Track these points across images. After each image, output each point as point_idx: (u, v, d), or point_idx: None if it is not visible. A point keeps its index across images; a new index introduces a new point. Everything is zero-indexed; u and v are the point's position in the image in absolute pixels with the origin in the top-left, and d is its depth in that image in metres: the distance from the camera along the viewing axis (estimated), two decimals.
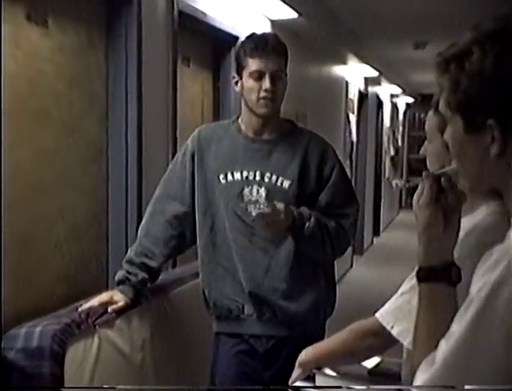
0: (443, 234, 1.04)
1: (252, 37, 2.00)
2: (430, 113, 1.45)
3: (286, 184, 1.97)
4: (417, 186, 1.08)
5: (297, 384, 1.58)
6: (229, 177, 2.00)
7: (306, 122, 5.15)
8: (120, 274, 2.04)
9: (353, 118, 7.36)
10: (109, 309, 1.91)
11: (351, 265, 7.68)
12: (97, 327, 1.83)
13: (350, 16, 5.46)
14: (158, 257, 2.05)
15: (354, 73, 7.22)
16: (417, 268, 1.04)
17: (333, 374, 1.55)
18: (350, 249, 7.62)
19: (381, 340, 1.46)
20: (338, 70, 6.65)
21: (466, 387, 0.87)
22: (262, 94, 1.95)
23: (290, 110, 4.71)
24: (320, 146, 2.05)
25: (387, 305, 1.43)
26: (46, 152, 2.17)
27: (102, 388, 1.87)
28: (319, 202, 1.99)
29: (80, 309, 1.88)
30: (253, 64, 1.94)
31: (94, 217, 2.48)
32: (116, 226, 2.54)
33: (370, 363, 1.61)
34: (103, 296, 1.95)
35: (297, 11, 4.04)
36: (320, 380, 1.54)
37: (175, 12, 2.80)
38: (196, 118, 3.27)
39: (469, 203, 1.32)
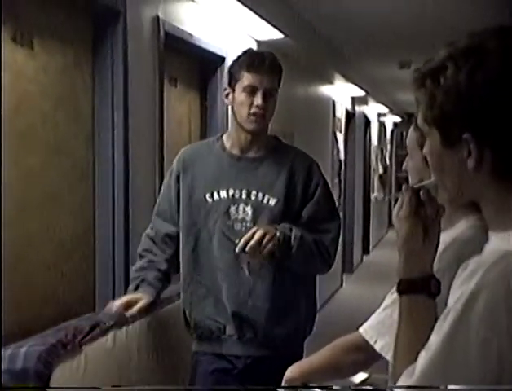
0: (422, 246, 1.05)
1: (249, 52, 2.03)
2: (411, 129, 1.47)
3: (272, 202, 1.97)
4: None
5: None
6: (215, 195, 1.99)
7: (293, 141, 5.18)
8: (133, 283, 2.05)
9: (340, 137, 7.41)
10: (134, 309, 1.93)
11: (341, 284, 7.68)
12: (83, 346, 1.82)
13: (336, 37, 5.53)
14: (162, 260, 2.06)
15: (341, 93, 7.28)
16: (396, 287, 1.05)
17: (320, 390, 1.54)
18: (339, 268, 7.66)
19: (365, 355, 1.46)
20: (325, 90, 6.70)
21: (450, 387, 0.87)
22: (253, 109, 1.95)
23: (277, 129, 4.73)
24: (305, 162, 2.06)
25: (370, 320, 1.44)
26: (33, 172, 2.17)
27: (89, 388, 1.85)
28: (301, 218, 1.99)
29: (66, 329, 1.86)
30: (247, 79, 1.95)
31: (81, 236, 2.47)
32: (104, 246, 2.54)
33: (357, 379, 1.61)
34: (124, 298, 1.97)
35: (283, 32, 4.08)
36: None
37: (161, 33, 2.82)
38: (183, 138, 3.28)
39: (448, 217, 1.34)
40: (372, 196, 8.63)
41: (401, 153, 12.96)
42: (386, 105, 10.18)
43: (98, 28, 2.49)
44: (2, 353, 1.70)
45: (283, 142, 2.17)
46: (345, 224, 8.04)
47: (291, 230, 1.94)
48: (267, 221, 1.96)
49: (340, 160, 7.40)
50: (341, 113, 7.43)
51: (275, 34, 4.08)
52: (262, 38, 4.19)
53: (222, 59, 3.55)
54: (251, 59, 1.96)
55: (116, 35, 2.49)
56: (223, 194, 1.99)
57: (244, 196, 1.98)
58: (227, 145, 2.05)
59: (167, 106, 2.93)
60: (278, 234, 1.89)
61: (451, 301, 0.89)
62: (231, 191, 1.99)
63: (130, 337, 2.07)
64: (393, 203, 1.13)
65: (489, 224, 0.97)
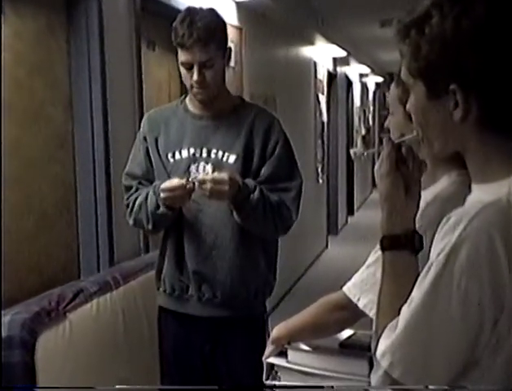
0: (404, 202, 1.04)
1: (181, 20, 1.89)
2: (393, 86, 1.46)
3: (232, 159, 1.96)
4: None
5: (271, 360, 1.59)
6: (177, 155, 2.00)
7: (276, 104, 5.15)
8: (148, 200, 1.97)
9: (323, 99, 7.38)
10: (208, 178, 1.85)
11: (326, 246, 7.74)
12: (67, 313, 1.82)
13: None
14: None
15: (322, 54, 7.22)
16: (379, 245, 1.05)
17: (306, 348, 1.56)
18: (324, 229, 7.72)
19: (349, 313, 1.48)
20: (306, 51, 6.65)
21: (431, 387, 0.89)
22: (193, 84, 1.93)
23: (259, 92, 4.71)
24: (265, 120, 2.03)
25: (353, 279, 1.45)
26: (10, 141, 2.14)
27: (80, 388, 1.86)
28: (261, 176, 1.98)
29: (49, 297, 1.87)
30: (181, 55, 1.91)
31: (62, 204, 2.45)
32: (86, 213, 2.52)
33: (343, 336, 1.63)
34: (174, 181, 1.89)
35: None
36: (292, 355, 1.55)
37: None
38: (163, 102, 3.24)
39: (430, 174, 1.34)
40: (352, 151, 8.59)
41: (384, 113, 12.95)
42: (367, 65, 10.13)
43: None
44: None
45: (246, 101, 2.16)
46: (329, 186, 8.07)
47: (255, 187, 1.93)
48: None
49: (323, 122, 7.38)
50: (322, 75, 7.38)
51: None
52: None
53: None
54: (181, 33, 1.87)
55: None
56: (184, 153, 1.99)
57: (204, 155, 1.98)
58: (190, 106, 2.04)
59: (146, 70, 2.88)
60: (241, 183, 1.89)
61: (433, 255, 0.89)
62: (191, 150, 1.99)
63: (114, 302, 2.08)
64: (376, 158, 1.12)
65: (472, 176, 0.97)
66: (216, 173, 1.88)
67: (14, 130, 2.16)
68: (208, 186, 1.82)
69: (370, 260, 1.42)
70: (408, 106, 1.01)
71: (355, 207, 10.16)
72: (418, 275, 0.93)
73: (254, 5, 4.32)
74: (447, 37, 0.89)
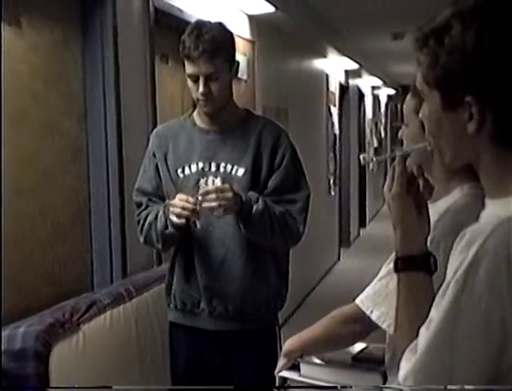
0: (417, 223, 1.04)
1: (189, 33, 1.90)
2: (408, 97, 1.46)
3: (240, 172, 1.97)
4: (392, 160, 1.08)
5: (283, 373, 1.58)
6: (186, 170, 2.00)
7: (288, 116, 5.16)
8: (163, 212, 1.96)
9: (335, 111, 7.38)
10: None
11: (339, 258, 7.71)
12: (81, 325, 1.83)
13: (328, 9, 5.47)
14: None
15: (334, 66, 7.24)
16: (391, 258, 1.05)
17: (318, 361, 1.55)
18: (336, 242, 7.69)
19: (362, 326, 1.47)
20: (318, 63, 6.66)
21: (449, 387, 0.87)
22: (199, 96, 1.93)
23: (271, 105, 4.72)
24: (273, 132, 2.03)
25: (366, 291, 1.44)
26: (26, 152, 2.16)
27: (97, 387, 1.86)
28: (268, 188, 1.98)
29: (63, 309, 1.87)
30: (188, 67, 1.91)
31: (76, 216, 2.47)
32: (99, 225, 2.54)
33: (356, 349, 1.62)
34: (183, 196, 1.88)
35: (275, 5, 4.04)
36: (304, 368, 1.55)
37: (151, 9, 2.79)
38: (176, 115, 3.25)
39: (443, 186, 1.34)
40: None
41: (396, 125, 12.94)
42: (379, 78, 10.13)
43: (86, 5, 2.45)
44: (1, 333, 1.71)
45: (253, 113, 2.16)
46: (341, 198, 8.05)
47: (258, 199, 1.93)
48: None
49: (335, 134, 7.38)
50: (334, 87, 7.39)
51: (266, 8, 4.03)
52: (253, 12, 4.15)
53: None
54: (188, 45, 1.88)
55: (105, 11, 2.46)
56: (193, 168, 2.00)
57: (213, 169, 1.98)
58: (197, 121, 2.05)
59: (159, 83, 2.90)
60: (243, 197, 1.89)
61: (449, 273, 0.88)
62: (200, 165, 1.99)
63: (127, 314, 2.08)
64: (388, 166, 1.11)
65: (486, 190, 0.96)
66: (219, 184, 1.91)
67: (30, 142, 2.18)
68: (213, 195, 1.82)
69: (383, 272, 1.41)
70: (420, 114, 1.00)
71: (367, 219, 10.13)
72: (434, 296, 0.92)
73: (267, 18, 4.34)
74: (467, 49, 0.88)
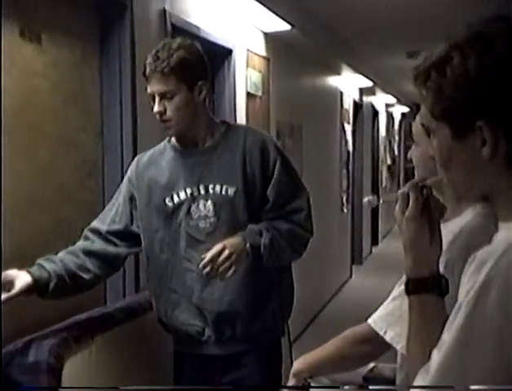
0: (429, 246, 1.04)
1: (151, 53, 1.86)
2: (418, 116, 1.46)
3: (231, 192, 1.89)
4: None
5: None
6: (175, 198, 1.92)
7: (302, 133, 5.18)
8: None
9: (348, 128, 7.39)
10: (2, 297, 1.70)
11: (350, 276, 7.68)
12: (94, 339, 1.84)
13: (342, 27, 5.50)
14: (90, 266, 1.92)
15: (348, 83, 7.26)
16: (404, 279, 1.05)
17: (328, 382, 1.55)
18: (348, 259, 7.66)
19: (375, 346, 1.46)
20: (333, 81, 6.69)
21: (472, 387, 0.87)
22: (157, 116, 1.87)
23: (285, 121, 4.74)
24: (257, 142, 1.93)
25: (379, 311, 1.43)
26: (43, 167, 2.19)
27: (103, 388, 1.86)
28: (267, 202, 1.91)
29: (77, 322, 1.88)
30: (148, 87, 1.87)
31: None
32: None
33: (365, 369, 1.62)
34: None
35: (290, 23, 4.07)
36: (314, 389, 1.54)
37: (168, 26, 2.82)
38: None
39: (454, 206, 1.34)
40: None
41: (409, 144, 12.87)
42: (393, 95, 10.13)
43: (105, 22, 2.49)
44: (14, 346, 1.73)
45: (233, 124, 2.09)
46: (353, 215, 8.03)
47: (261, 234, 1.86)
48: (230, 213, 1.89)
49: (348, 151, 7.38)
50: (348, 104, 7.41)
51: (282, 26, 4.07)
52: (269, 30, 4.19)
53: (230, 51, 3.55)
54: (146, 64, 1.85)
55: (123, 29, 2.50)
56: (182, 195, 1.91)
57: (202, 192, 1.90)
58: (177, 144, 1.98)
59: None
60: (247, 245, 1.82)
61: (461, 295, 0.89)
62: (188, 191, 1.91)
63: (139, 329, 2.09)
64: (401, 184, 1.11)
65: (499, 214, 0.96)
66: (213, 251, 1.77)
67: (47, 156, 2.21)
68: (208, 269, 1.75)
69: (395, 292, 1.41)
70: (431, 151, 1.00)
71: (380, 237, 10.08)
72: (446, 318, 0.92)
73: (282, 36, 4.38)
74: (470, 76, 0.89)
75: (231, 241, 1.81)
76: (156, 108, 1.85)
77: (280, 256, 1.91)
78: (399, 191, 1.10)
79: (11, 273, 1.75)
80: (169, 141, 2.01)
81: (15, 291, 1.72)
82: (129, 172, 2.04)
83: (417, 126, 1.44)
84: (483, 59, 0.89)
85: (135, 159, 2.08)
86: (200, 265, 1.79)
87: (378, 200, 7.19)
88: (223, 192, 1.89)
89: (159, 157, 1.99)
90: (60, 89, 2.27)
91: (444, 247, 1.06)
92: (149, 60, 1.85)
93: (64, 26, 2.28)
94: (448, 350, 0.88)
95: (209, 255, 1.77)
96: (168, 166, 1.96)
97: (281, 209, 1.92)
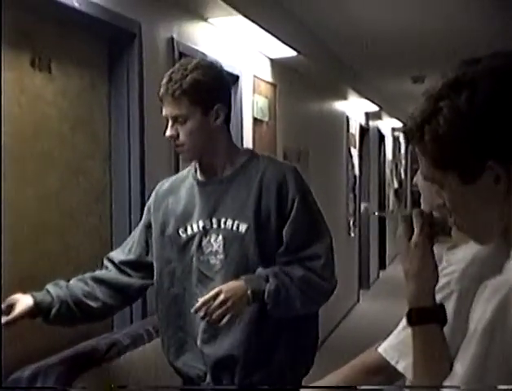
0: (434, 275, 1.03)
1: (167, 74, 1.78)
2: (418, 174, 1.45)
3: (243, 228, 1.72)
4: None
5: None
6: (188, 230, 1.80)
7: (309, 158, 5.20)
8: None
9: (355, 152, 7.41)
10: (2, 321, 1.66)
11: (358, 300, 7.63)
12: (102, 365, 1.83)
13: (348, 53, 5.55)
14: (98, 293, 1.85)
15: (354, 108, 7.30)
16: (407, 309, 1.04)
17: None
18: (356, 284, 7.62)
19: (385, 376, 1.43)
20: (339, 105, 6.72)
21: (500, 387, 0.86)
22: (169, 140, 1.79)
23: (292, 146, 4.76)
24: (276, 175, 1.76)
25: (390, 340, 1.40)
26: (51, 193, 2.20)
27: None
28: (282, 243, 1.73)
29: (84, 349, 1.88)
30: (163, 110, 1.78)
31: (98, 256, 2.48)
32: None
33: None
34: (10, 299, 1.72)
35: (296, 50, 4.11)
36: None
37: (176, 54, 2.86)
38: None
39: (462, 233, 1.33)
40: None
41: (416, 167, 12.88)
42: (399, 120, 10.17)
43: (113, 51, 2.53)
44: (21, 373, 1.73)
45: (257, 154, 1.88)
46: (360, 239, 8.01)
47: (267, 279, 1.69)
48: (238, 252, 1.73)
49: (355, 176, 7.40)
50: (355, 129, 7.44)
51: (288, 52, 4.11)
52: (275, 56, 4.23)
53: (236, 78, 3.58)
54: (161, 85, 1.77)
55: (131, 57, 2.53)
56: (195, 227, 1.79)
57: (215, 226, 1.76)
58: (198, 172, 1.86)
59: None
60: (249, 291, 1.67)
61: (472, 323, 0.88)
62: (201, 223, 1.78)
63: (146, 355, 2.08)
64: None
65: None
66: (207, 295, 1.65)
67: (55, 183, 2.23)
68: (202, 313, 1.63)
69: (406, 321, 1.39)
70: (443, 201, 0.99)
71: (387, 261, 10.04)
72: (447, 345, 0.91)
73: (288, 62, 4.42)
74: (465, 119, 0.90)
75: (230, 285, 1.67)
76: (168, 132, 1.76)
77: (289, 305, 1.71)
78: (402, 214, 1.09)
79: (14, 297, 1.72)
80: (193, 168, 1.89)
81: (14, 314, 1.69)
82: (150, 199, 1.95)
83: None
84: (473, 100, 0.89)
85: (157, 185, 1.97)
86: (192, 310, 1.67)
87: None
88: (234, 228, 1.74)
89: (180, 185, 1.89)
90: (69, 116, 2.30)
91: (456, 274, 1.06)
92: (163, 81, 1.76)
93: (74, 54, 2.31)
94: (462, 380, 0.87)
95: (202, 299, 1.65)
96: (186, 195, 1.84)
97: (295, 254, 1.73)
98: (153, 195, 1.94)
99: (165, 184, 1.94)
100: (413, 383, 1.03)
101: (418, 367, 1.00)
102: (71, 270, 2.31)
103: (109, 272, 1.89)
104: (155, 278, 1.86)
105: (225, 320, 1.64)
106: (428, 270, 1.03)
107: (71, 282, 1.85)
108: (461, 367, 0.88)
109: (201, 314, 1.65)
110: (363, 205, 7.79)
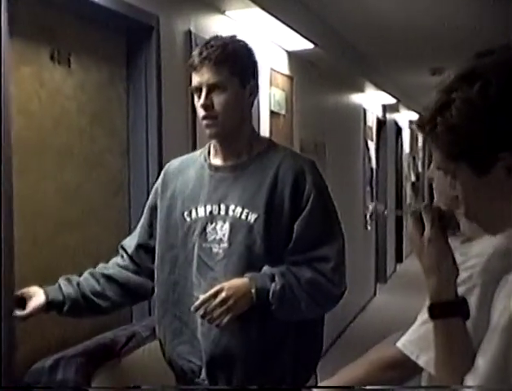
0: (453, 268, 1.03)
1: (196, 49, 1.71)
2: (432, 166, 1.44)
3: (252, 218, 1.63)
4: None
5: None
6: (193, 213, 1.70)
7: (326, 151, 5.18)
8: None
9: (372, 145, 7.38)
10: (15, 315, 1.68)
11: (374, 294, 7.62)
12: (121, 357, 1.85)
13: (366, 45, 5.52)
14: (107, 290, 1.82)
15: (371, 101, 7.26)
16: (428, 304, 1.03)
17: None
18: (372, 277, 7.60)
19: (403, 371, 1.42)
20: (356, 98, 6.69)
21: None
22: (201, 112, 1.65)
23: (309, 139, 4.75)
24: (293, 167, 1.67)
25: (409, 335, 1.38)
26: (70, 187, 2.22)
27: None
28: (291, 239, 1.63)
29: (103, 340, 1.90)
30: (192, 79, 1.67)
31: (117, 249, 2.50)
32: None
33: None
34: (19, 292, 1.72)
35: (313, 42, 4.10)
36: None
37: (193, 47, 2.86)
38: None
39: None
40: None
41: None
42: (417, 112, 10.09)
43: (131, 44, 2.54)
44: (43, 364, 1.75)
45: (276, 144, 1.79)
46: (377, 232, 7.98)
47: (273, 278, 1.60)
48: (244, 241, 1.63)
49: (372, 169, 7.36)
50: (372, 121, 7.40)
51: (305, 44, 4.09)
52: (292, 49, 4.22)
53: None
54: (194, 55, 1.67)
55: (149, 50, 2.53)
56: (201, 211, 1.69)
57: (222, 212, 1.67)
58: (211, 154, 1.77)
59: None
60: (253, 290, 1.58)
61: (494, 318, 0.88)
62: (208, 208, 1.68)
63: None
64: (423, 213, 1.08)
65: None
66: (208, 292, 1.57)
67: (74, 177, 2.25)
68: (201, 311, 1.56)
69: (425, 315, 1.37)
70: (455, 192, 0.99)
71: (404, 254, 9.99)
72: (470, 339, 0.91)
73: (305, 54, 4.40)
74: (479, 110, 0.90)
75: (233, 283, 1.59)
76: (202, 100, 1.62)
77: (294, 307, 1.62)
78: (411, 209, 1.08)
79: (28, 291, 1.73)
80: (205, 150, 1.81)
81: (27, 310, 1.71)
82: (158, 180, 1.87)
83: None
84: (486, 92, 0.89)
85: (166, 165, 1.88)
86: (192, 308, 1.59)
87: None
88: (243, 216, 1.64)
89: (190, 165, 1.79)
90: (87, 110, 2.31)
91: (478, 268, 1.05)
92: (199, 50, 1.66)
93: (92, 48, 2.33)
94: (482, 376, 0.86)
95: (202, 297, 1.58)
96: (195, 177, 1.75)
97: (304, 253, 1.64)
98: (161, 175, 1.84)
99: (174, 163, 1.86)
100: (433, 378, 1.02)
101: (440, 361, 1.00)
102: (90, 263, 2.33)
103: (121, 270, 1.84)
104: (156, 263, 1.78)
105: (226, 320, 1.57)
106: (448, 263, 1.03)
107: (83, 277, 1.83)
108: (482, 362, 0.88)
109: (201, 312, 1.58)
110: (372, 205, 7.64)
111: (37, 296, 1.72)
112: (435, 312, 1.02)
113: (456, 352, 0.98)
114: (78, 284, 1.80)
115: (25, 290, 1.73)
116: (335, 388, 1.45)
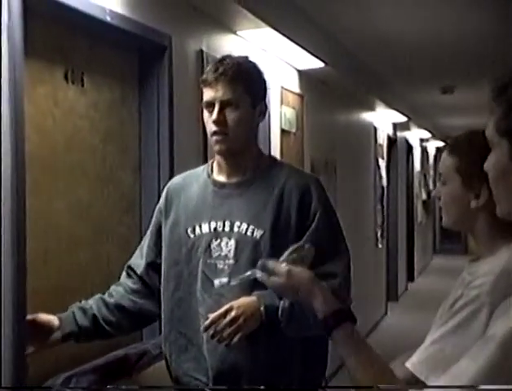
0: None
1: (210, 65, 1.75)
2: (445, 154, 1.44)
3: (258, 234, 1.65)
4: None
5: None
6: (197, 230, 1.72)
7: (336, 169, 5.19)
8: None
9: (383, 163, 7.37)
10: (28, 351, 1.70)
11: (386, 312, 7.57)
12: (132, 375, 1.85)
13: (376, 63, 5.54)
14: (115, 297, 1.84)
15: (382, 119, 7.27)
16: (441, 312, 1.04)
17: None
18: (384, 296, 7.56)
19: None
20: (366, 116, 6.70)
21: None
22: (212, 127, 1.67)
23: (319, 157, 4.76)
24: (300, 184, 1.70)
25: (418, 355, 1.37)
26: (82, 205, 2.24)
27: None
28: None
29: (115, 358, 1.90)
30: (205, 94, 1.70)
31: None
32: None
33: None
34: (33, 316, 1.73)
35: (324, 61, 4.12)
36: None
37: (205, 66, 2.88)
38: None
39: (488, 245, 1.32)
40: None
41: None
42: (428, 130, 10.09)
43: (144, 64, 2.56)
44: (54, 382, 1.75)
45: (279, 161, 1.86)
46: (388, 251, 7.95)
47: (282, 297, 1.57)
48: (250, 258, 1.64)
49: (382, 187, 7.35)
50: (382, 139, 7.40)
51: (315, 63, 4.12)
52: (302, 67, 4.24)
53: None
54: (208, 71, 1.71)
55: (161, 69, 2.56)
56: (205, 228, 1.71)
57: (227, 229, 1.68)
58: (215, 171, 1.79)
59: None
60: (262, 308, 1.59)
61: (492, 329, 0.88)
62: (212, 224, 1.70)
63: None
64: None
65: None
66: (217, 312, 1.58)
67: (86, 194, 2.26)
68: (211, 331, 1.56)
69: (434, 335, 1.36)
70: (486, 164, 1.01)
71: (416, 273, 9.93)
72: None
73: (315, 73, 4.43)
74: None
75: (241, 301, 1.59)
76: (215, 116, 1.66)
77: (302, 324, 1.58)
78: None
79: (42, 319, 1.74)
80: (208, 166, 1.83)
81: (42, 345, 1.75)
82: (160, 200, 1.89)
83: (446, 164, 1.43)
84: None
85: (169, 183, 1.90)
86: (201, 328, 1.60)
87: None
88: (249, 233, 1.66)
89: (193, 181, 1.81)
90: (100, 128, 2.33)
91: (486, 287, 1.05)
92: (214, 66, 1.69)
93: (105, 68, 2.36)
94: (472, 380, 0.87)
95: (211, 316, 1.58)
96: (198, 194, 1.76)
97: (311, 270, 1.60)
98: (164, 193, 1.86)
99: (176, 180, 1.88)
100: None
101: (353, 368, 1.09)
102: (101, 280, 2.34)
103: (134, 299, 1.84)
104: (162, 279, 1.79)
105: (236, 339, 1.56)
106: (321, 285, 1.27)
107: (96, 306, 1.83)
108: (472, 367, 0.88)
109: (211, 332, 1.58)
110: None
111: (50, 328, 1.74)
112: (330, 322, 1.15)
113: (362, 350, 1.11)
114: (93, 315, 1.80)
115: (38, 318, 1.73)
116: (339, 387, 1.52)
